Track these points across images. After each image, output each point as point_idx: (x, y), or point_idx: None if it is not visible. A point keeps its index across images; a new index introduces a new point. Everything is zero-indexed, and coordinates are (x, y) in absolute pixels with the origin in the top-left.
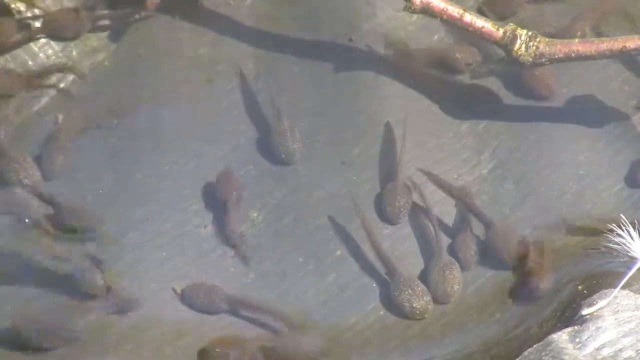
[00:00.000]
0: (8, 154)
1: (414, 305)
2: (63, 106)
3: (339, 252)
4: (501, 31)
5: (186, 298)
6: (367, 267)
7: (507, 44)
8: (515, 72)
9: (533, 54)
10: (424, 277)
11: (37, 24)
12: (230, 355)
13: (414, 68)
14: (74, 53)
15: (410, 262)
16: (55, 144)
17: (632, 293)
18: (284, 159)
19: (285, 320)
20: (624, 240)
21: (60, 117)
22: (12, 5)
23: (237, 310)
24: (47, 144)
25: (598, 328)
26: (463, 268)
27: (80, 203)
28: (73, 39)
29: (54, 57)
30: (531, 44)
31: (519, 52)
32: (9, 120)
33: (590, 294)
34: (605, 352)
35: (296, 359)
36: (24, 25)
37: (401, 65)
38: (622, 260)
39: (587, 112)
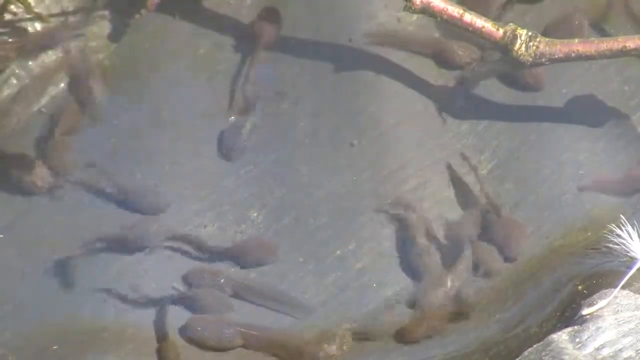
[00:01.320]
0: (14, 155)
1: None
2: (63, 105)
3: (339, 252)
4: (501, 31)
5: (190, 282)
6: (367, 267)
7: (507, 44)
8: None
9: (533, 54)
10: None
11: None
12: (212, 324)
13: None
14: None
15: (411, 262)
16: (56, 142)
17: (632, 293)
18: (224, 154)
19: (290, 304)
20: (623, 240)
21: (60, 116)
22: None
23: (241, 295)
24: (48, 144)
25: (598, 328)
26: (491, 275)
27: None
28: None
29: (54, 57)
30: (531, 44)
31: (519, 52)
32: (19, 117)
33: (590, 294)
34: (605, 352)
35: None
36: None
37: (395, 46)
38: (622, 260)
39: (587, 112)
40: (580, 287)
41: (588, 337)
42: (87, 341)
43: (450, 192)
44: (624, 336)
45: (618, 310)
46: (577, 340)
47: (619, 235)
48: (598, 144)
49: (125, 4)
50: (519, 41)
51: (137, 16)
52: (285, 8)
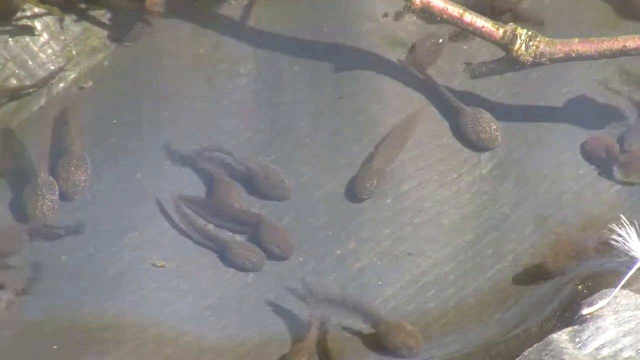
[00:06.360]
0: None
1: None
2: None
3: (338, 252)
4: (501, 31)
5: None
6: (367, 267)
7: (507, 44)
8: None
9: (533, 54)
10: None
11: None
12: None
13: None
14: (74, 52)
15: (411, 262)
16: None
17: (632, 293)
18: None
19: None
20: (623, 240)
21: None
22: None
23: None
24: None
25: (598, 328)
26: None
27: None
28: None
29: (53, 57)
30: (531, 43)
31: (519, 52)
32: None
33: (590, 294)
34: (605, 351)
35: None
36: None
37: None
38: (622, 260)
39: (587, 112)
40: (580, 287)
41: (588, 337)
42: (87, 341)
43: (450, 192)
44: (624, 336)
45: (618, 310)
46: (577, 340)
47: (619, 235)
48: None
49: (124, 4)
50: (518, 41)
51: (137, 16)
52: (285, 7)
